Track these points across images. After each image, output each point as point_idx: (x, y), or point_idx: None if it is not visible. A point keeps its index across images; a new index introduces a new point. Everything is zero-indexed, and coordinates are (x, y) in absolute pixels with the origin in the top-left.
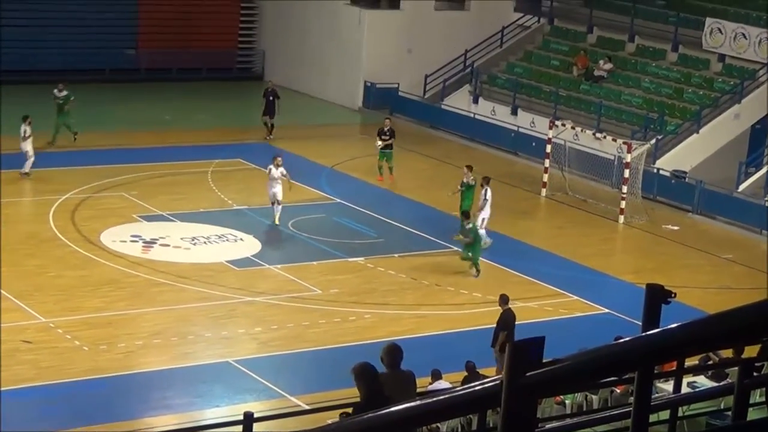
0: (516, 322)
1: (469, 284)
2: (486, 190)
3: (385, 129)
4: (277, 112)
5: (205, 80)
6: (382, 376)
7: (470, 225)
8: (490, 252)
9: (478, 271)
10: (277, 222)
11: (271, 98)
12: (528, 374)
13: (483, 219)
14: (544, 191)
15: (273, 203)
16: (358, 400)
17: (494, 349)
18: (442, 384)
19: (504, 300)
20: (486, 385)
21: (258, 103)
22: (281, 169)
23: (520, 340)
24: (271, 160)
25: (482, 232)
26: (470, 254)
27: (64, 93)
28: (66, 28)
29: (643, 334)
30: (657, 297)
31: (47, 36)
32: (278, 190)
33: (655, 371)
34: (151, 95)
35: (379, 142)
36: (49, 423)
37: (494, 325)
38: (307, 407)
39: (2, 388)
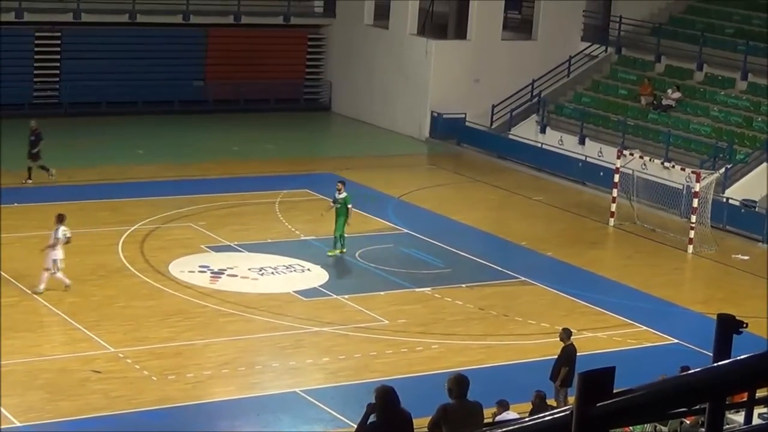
0: (585, 353)
1: (537, 315)
2: (58, 229)
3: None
4: (39, 155)
5: (273, 111)
6: (450, 407)
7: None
8: (559, 281)
9: None
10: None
11: (32, 138)
12: (598, 405)
13: (55, 260)
14: (612, 221)
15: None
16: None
17: (554, 384)
18: (510, 414)
19: (567, 334)
20: (556, 416)
21: (325, 134)
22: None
23: (590, 371)
24: None
25: (59, 275)
26: None
27: (342, 195)
28: (134, 60)
29: (715, 364)
30: (728, 327)
31: (114, 68)
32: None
33: (726, 402)
34: (219, 126)
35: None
36: None
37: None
38: None
39: (76, 418)
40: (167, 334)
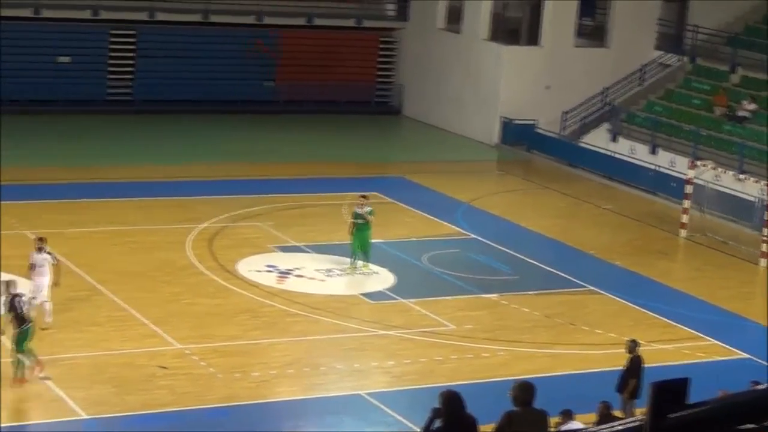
0: (652, 365)
1: (604, 324)
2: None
3: None
4: None
5: (343, 113)
6: (514, 414)
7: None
8: (627, 291)
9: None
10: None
11: None
12: (670, 416)
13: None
14: (683, 232)
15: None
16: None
17: (622, 395)
18: (575, 424)
19: (634, 345)
20: (628, 425)
21: (395, 138)
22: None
23: (664, 381)
24: None
25: (42, 303)
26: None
27: (367, 209)
28: (207, 60)
29: None
30: None
31: (187, 67)
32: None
33: None
34: (289, 127)
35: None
36: None
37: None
38: None
39: (142, 412)
40: (233, 333)
